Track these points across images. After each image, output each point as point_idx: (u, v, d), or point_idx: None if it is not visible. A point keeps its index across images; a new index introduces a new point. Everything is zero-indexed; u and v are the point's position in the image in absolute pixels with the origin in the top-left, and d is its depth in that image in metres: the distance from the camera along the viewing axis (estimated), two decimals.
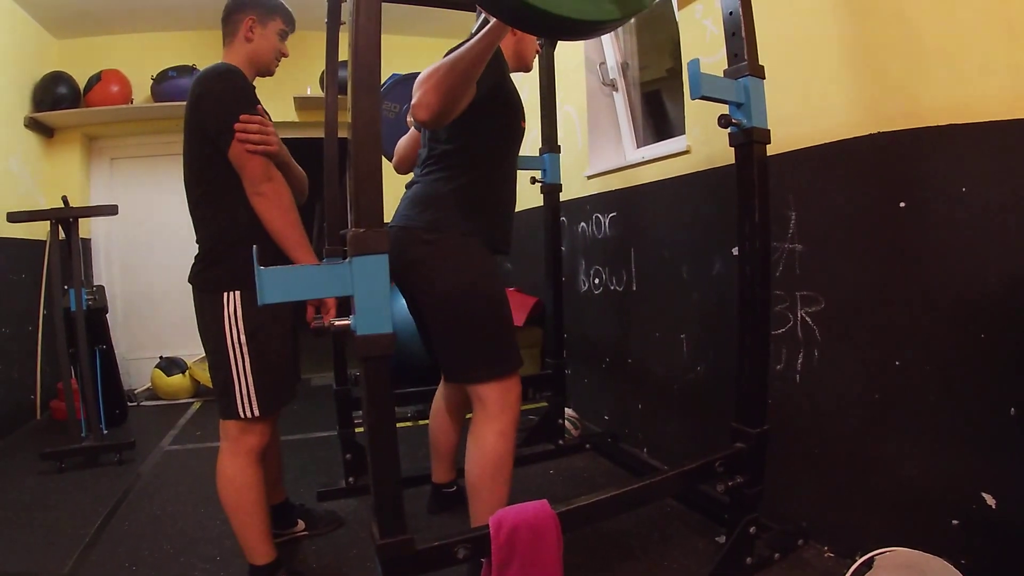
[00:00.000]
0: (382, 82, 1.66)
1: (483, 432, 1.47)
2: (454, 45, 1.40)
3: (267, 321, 1.45)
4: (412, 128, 1.85)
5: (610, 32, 2.05)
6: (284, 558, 1.60)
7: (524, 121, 1.66)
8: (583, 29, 1.11)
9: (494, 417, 1.47)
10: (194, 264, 1.52)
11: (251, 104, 1.46)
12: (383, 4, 1.09)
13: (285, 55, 1.66)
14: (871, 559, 1.33)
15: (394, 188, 1.52)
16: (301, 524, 1.87)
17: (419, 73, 1.33)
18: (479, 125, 1.50)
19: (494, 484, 1.46)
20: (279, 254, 1.49)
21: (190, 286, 1.52)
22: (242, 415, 1.45)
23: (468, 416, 1.61)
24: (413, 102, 1.29)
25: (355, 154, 1.05)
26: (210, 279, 1.47)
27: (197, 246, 1.52)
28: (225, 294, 1.44)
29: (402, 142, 1.88)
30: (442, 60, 1.29)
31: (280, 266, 1.05)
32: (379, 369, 1.06)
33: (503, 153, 1.62)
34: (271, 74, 1.66)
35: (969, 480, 1.36)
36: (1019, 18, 1.29)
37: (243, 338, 1.43)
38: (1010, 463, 1.30)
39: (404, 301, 1.63)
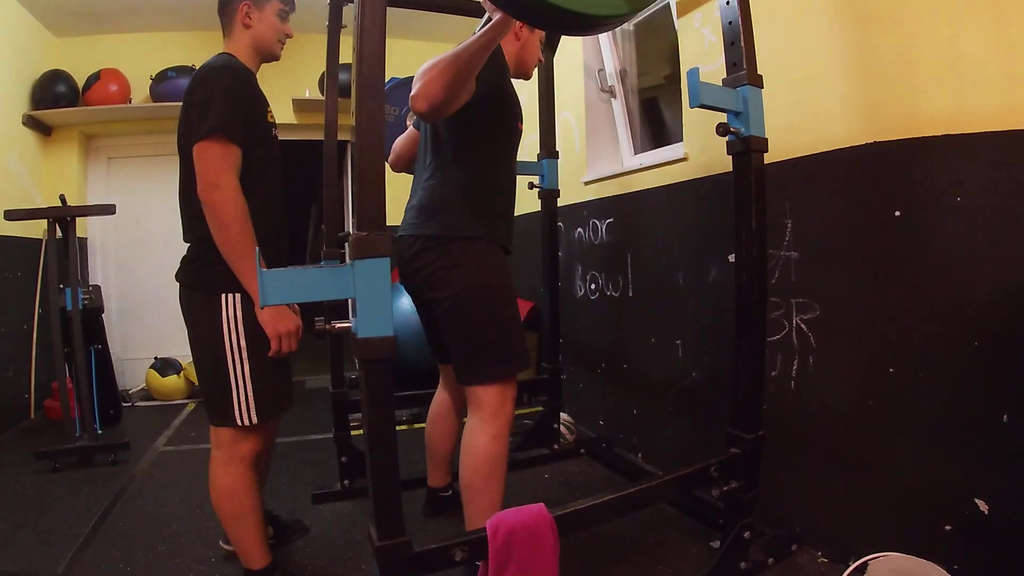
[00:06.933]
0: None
1: (477, 435, 1.49)
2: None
3: None
4: (411, 127, 1.87)
5: (615, 28, 2.08)
6: (279, 561, 1.59)
7: (521, 123, 1.69)
8: (589, 24, 1.15)
9: (488, 420, 1.49)
10: (185, 262, 1.44)
11: (245, 99, 1.40)
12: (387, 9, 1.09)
13: (289, 35, 1.58)
14: (865, 564, 1.34)
15: (393, 191, 1.52)
16: (269, 530, 1.79)
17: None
18: (477, 126, 1.52)
19: (487, 486, 1.47)
20: (279, 253, 1.46)
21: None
22: (239, 423, 1.39)
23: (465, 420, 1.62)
24: (412, 92, 1.30)
25: (359, 158, 1.05)
26: (206, 279, 1.39)
27: (188, 244, 1.45)
28: (223, 296, 1.37)
29: (400, 140, 1.90)
30: (443, 53, 1.31)
31: (282, 268, 1.05)
32: (380, 371, 1.07)
33: (502, 153, 1.64)
34: (276, 58, 1.58)
35: (962, 485, 1.37)
36: (1014, 30, 1.31)
37: (243, 342, 1.36)
38: (1003, 469, 1.32)
39: (401, 302, 1.64)
